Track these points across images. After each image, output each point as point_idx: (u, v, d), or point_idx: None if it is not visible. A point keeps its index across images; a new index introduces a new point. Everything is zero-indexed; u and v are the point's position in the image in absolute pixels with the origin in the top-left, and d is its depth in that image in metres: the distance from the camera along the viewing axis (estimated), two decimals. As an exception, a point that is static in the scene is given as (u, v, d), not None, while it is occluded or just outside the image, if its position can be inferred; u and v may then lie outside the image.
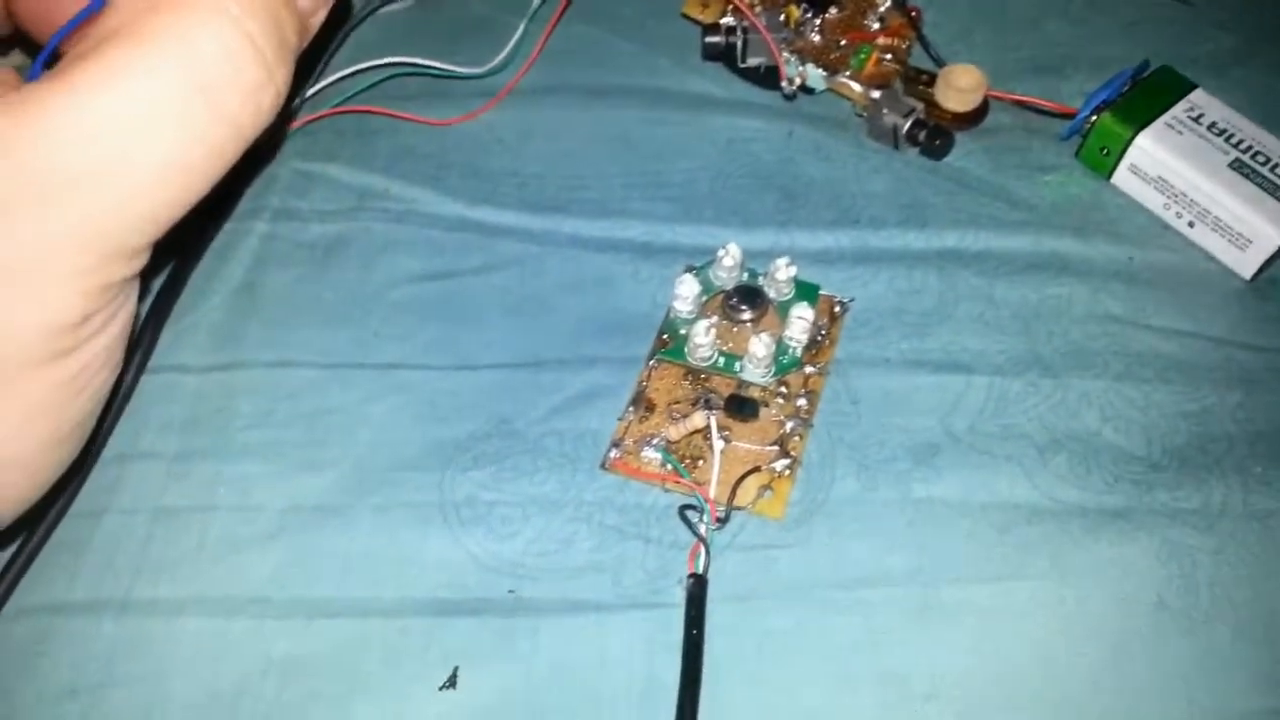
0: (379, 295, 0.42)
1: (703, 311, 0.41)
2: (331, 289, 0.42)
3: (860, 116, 0.48)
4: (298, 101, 0.46)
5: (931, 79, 0.48)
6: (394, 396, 0.39)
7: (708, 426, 0.37)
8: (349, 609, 0.34)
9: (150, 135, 0.27)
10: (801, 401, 0.39)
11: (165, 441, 0.38)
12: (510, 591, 0.35)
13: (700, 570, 0.35)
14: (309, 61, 0.45)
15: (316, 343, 0.40)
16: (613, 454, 0.38)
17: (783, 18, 0.49)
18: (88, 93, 0.27)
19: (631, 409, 0.39)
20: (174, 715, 0.33)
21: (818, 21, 0.49)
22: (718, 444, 0.37)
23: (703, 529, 0.35)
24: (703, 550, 0.35)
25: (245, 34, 0.28)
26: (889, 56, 0.49)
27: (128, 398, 0.38)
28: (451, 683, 0.33)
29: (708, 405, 0.38)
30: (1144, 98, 0.45)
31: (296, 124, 0.47)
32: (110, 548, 0.35)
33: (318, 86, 0.48)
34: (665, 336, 0.40)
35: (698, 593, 0.34)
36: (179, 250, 0.42)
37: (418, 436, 0.38)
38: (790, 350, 0.39)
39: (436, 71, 0.49)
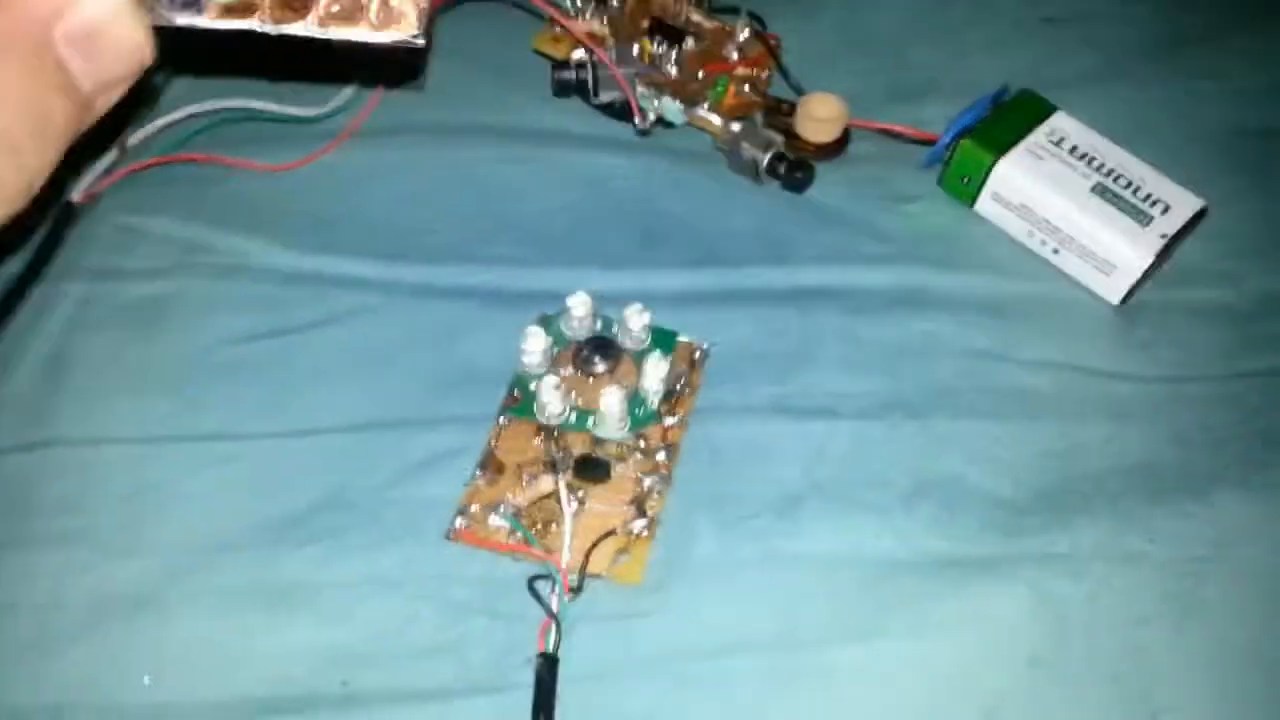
0: (202, 358, 0.39)
1: (554, 364, 0.38)
2: (151, 355, 0.39)
3: (720, 150, 0.46)
4: (117, 153, 0.43)
5: (793, 109, 0.46)
6: (216, 470, 0.36)
7: (557, 490, 0.35)
8: (160, 714, 0.31)
9: None
10: (660, 456, 0.37)
11: (-43, 534, 0.34)
12: (343, 683, 0.32)
13: (550, 648, 0.32)
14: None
15: (133, 415, 0.37)
16: (458, 523, 0.35)
17: (636, 51, 0.47)
18: None
19: (480, 472, 0.36)
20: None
21: (674, 53, 0.47)
22: (569, 508, 0.35)
23: (554, 602, 0.33)
24: (554, 625, 0.32)
25: None
26: (748, 87, 0.47)
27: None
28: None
29: (555, 467, 0.36)
30: (1005, 122, 0.44)
31: (119, 174, 0.44)
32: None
33: (144, 133, 0.45)
34: (515, 392, 0.38)
35: (546, 674, 0.32)
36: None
37: (241, 513, 0.35)
38: (646, 403, 0.37)
39: (273, 115, 0.46)
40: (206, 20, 0.28)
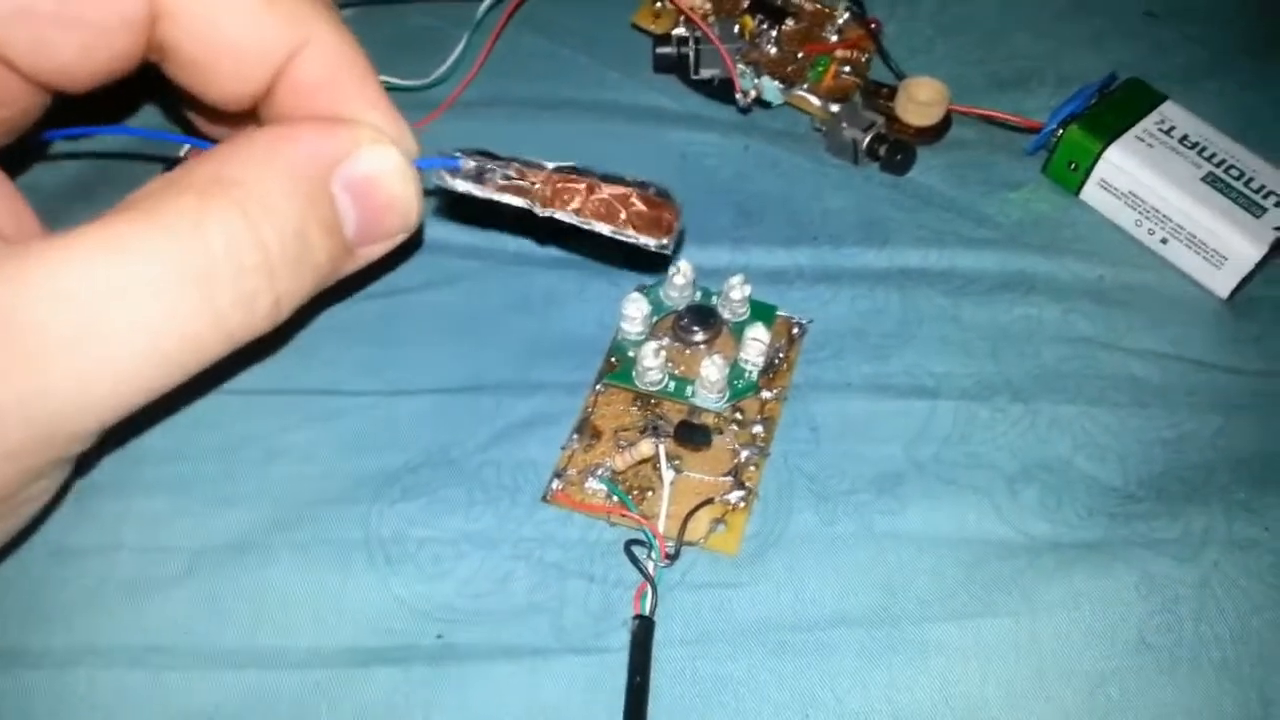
0: (306, 315, 0.39)
1: (653, 333, 0.38)
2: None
3: (818, 131, 0.46)
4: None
5: (892, 92, 0.46)
6: (319, 425, 0.36)
7: (656, 455, 0.35)
8: (258, 659, 0.31)
9: (130, 314, 0.25)
10: (757, 429, 0.36)
11: (65, 476, 0.35)
12: (438, 637, 0.32)
13: (646, 611, 0.32)
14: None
15: (236, 368, 0.37)
16: (555, 485, 0.35)
17: (737, 29, 0.47)
18: (78, 260, 0.24)
19: (576, 437, 0.36)
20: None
21: (774, 33, 0.47)
22: (667, 474, 0.35)
23: (650, 566, 0.33)
24: (649, 589, 0.32)
25: (257, 236, 0.26)
26: (847, 69, 0.47)
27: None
28: (368, 740, 0.30)
29: (656, 433, 0.36)
30: (1113, 110, 0.43)
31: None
32: (0, 592, 0.32)
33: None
34: (613, 359, 0.38)
35: (643, 636, 0.31)
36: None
37: (343, 468, 0.35)
38: (745, 374, 0.37)
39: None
40: (486, 191, 0.32)
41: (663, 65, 0.47)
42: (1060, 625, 0.32)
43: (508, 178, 0.32)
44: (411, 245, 0.35)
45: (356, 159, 0.29)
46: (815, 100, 0.46)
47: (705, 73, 0.46)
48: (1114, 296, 0.41)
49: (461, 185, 0.32)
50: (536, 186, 0.32)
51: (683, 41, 0.47)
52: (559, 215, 0.32)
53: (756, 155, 0.46)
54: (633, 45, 0.49)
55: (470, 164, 0.32)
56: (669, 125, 0.47)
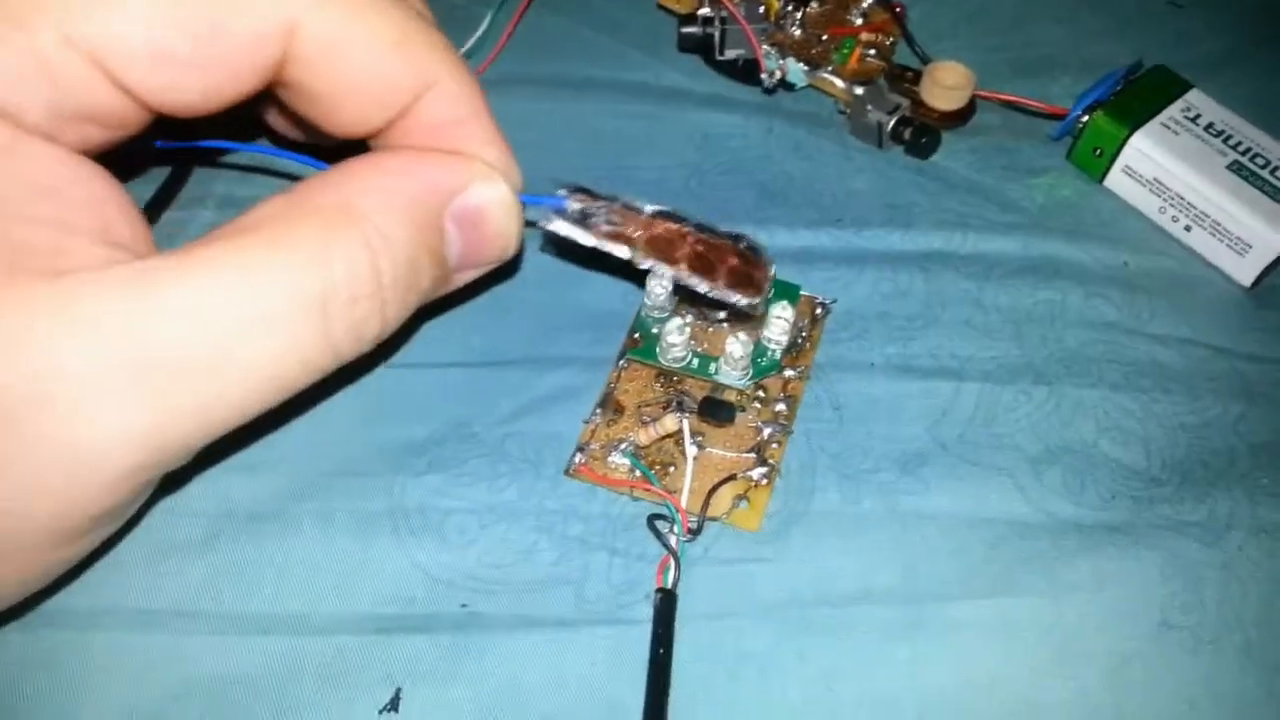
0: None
1: (676, 310, 0.38)
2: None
3: (842, 113, 0.46)
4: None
5: (916, 76, 0.46)
6: (345, 395, 0.36)
7: (680, 431, 0.35)
8: (282, 625, 0.31)
9: (256, 341, 0.25)
10: (780, 406, 0.36)
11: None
12: (462, 606, 0.32)
13: (669, 585, 0.32)
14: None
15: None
16: (578, 459, 0.35)
17: (762, 9, 0.47)
18: (211, 285, 0.25)
19: (599, 411, 0.36)
20: (87, 737, 0.30)
21: (799, 14, 0.47)
22: (690, 450, 0.35)
23: (673, 541, 0.33)
24: (672, 563, 0.32)
25: (375, 267, 0.27)
26: (872, 52, 0.47)
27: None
28: (393, 705, 0.30)
29: (680, 408, 0.36)
30: (1138, 98, 0.43)
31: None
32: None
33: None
34: (636, 335, 0.38)
35: (666, 609, 0.31)
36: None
37: (368, 438, 0.35)
38: (769, 352, 0.37)
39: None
40: (589, 238, 0.33)
41: (687, 45, 0.47)
42: (1083, 606, 0.32)
43: (611, 223, 0.32)
44: (509, 267, 0.36)
45: (470, 192, 0.30)
46: (840, 83, 0.46)
47: (730, 53, 0.46)
48: (1138, 282, 0.41)
49: (565, 230, 0.32)
50: (638, 234, 0.33)
51: (708, 21, 0.46)
52: (659, 269, 0.33)
53: (780, 137, 0.46)
54: (656, 25, 0.49)
55: (575, 206, 0.32)
56: (693, 106, 0.47)
